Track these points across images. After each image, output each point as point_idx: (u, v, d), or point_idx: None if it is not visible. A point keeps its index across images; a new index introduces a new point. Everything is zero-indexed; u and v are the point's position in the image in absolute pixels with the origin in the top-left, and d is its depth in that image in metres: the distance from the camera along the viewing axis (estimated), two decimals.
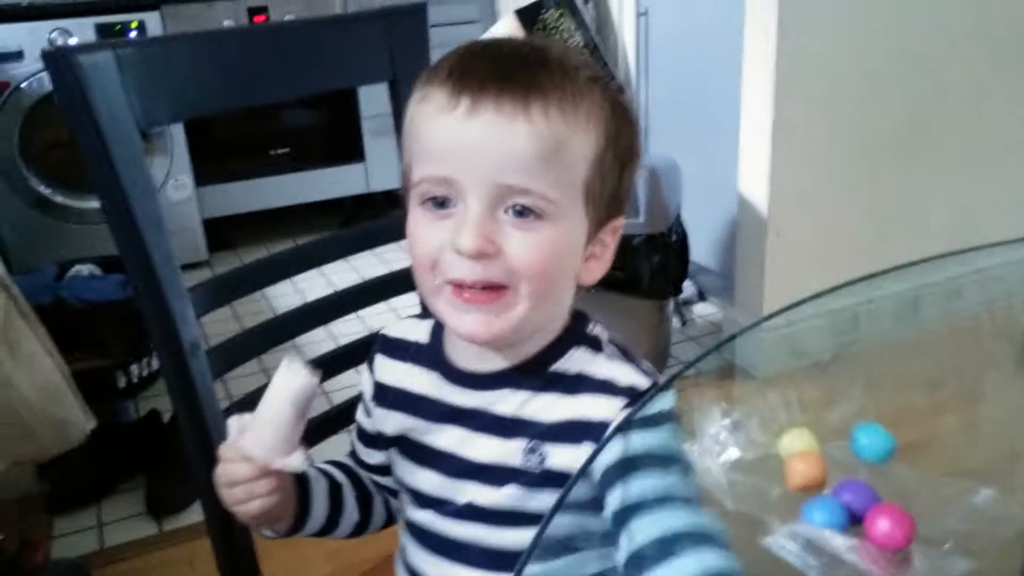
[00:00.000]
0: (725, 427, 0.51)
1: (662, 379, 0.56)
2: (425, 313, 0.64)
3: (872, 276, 0.74)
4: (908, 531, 0.45)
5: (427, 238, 0.53)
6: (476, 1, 2.87)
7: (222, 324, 0.87)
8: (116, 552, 1.47)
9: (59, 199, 2.45)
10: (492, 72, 0.51)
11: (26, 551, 1.41)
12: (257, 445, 0.54)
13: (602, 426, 0.54)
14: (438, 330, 0.62)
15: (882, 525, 0.45)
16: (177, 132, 2.53)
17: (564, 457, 0.55)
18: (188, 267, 2.54)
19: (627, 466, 0.49)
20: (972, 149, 2.00)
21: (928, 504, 0.48)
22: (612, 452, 0.50)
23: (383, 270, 0.89)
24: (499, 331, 0.53)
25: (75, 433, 1.17)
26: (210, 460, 0.72)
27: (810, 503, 0.47)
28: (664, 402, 0.53)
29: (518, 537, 0.57)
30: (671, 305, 1.94)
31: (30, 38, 2.33)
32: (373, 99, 2.64)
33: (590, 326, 0.60)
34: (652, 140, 2.35)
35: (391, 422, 0.63)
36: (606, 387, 0.55)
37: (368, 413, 0.66)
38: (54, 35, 2.35)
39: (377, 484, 0.69)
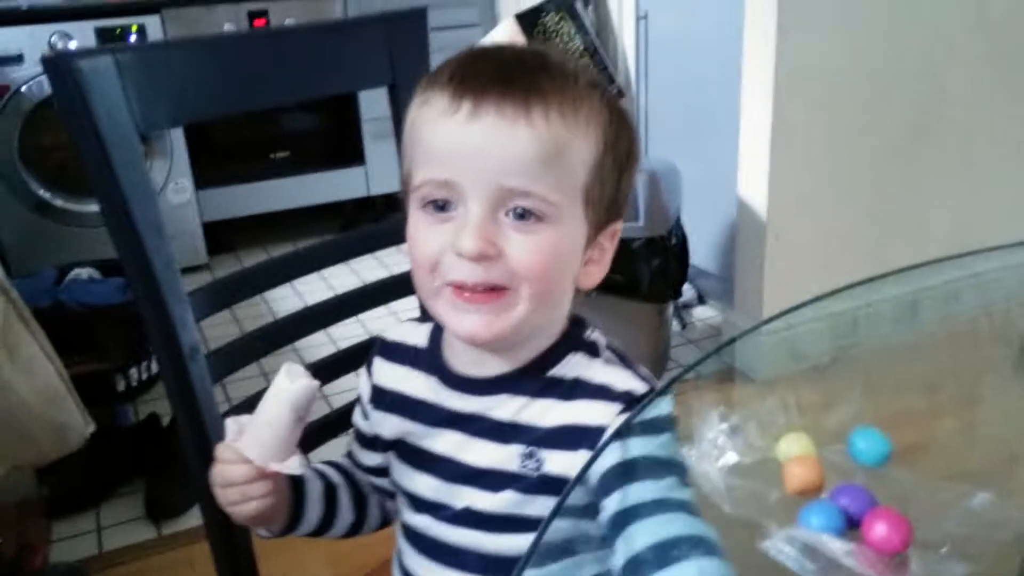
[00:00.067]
0: (723, 431, 0.51)
1: (660, 384, 0.56)
2: (424, 317, 0.64)
3: (871, 280, 0.74)
4: (905, 535, 0.46)
5: (428, 241, 0.53)
6: (476, 5, 2.87)
7: (222, 327, 0.87)
8: (115, 556, 1.47)
9: (58, 202, 2.46)
10: (493, 76, 0.52)
11: (25, 555, 1.41)
12: (254, 447, 0.54)
13: (598, 431, 0.54)
14: (437, 334, 0.62)
15: (879, 529, 0.46)
16: (177, 135, 2.54)
17: (561, 463, 0.55)
18: (188, 270, 2.54)
19: (624, 471, 0.49)
20: (972, 153, 2.00)
21: (925, 508, 0.48)
22: (609, 457, 0.50)
23: (383, 274, 0.90)
24: (499, 331, 0.53)
25: (74, 437, 1.17)
26: (209, 464, 0.73)
27: (807, 507, 0.48)
28: (662, 407, 0.54)
29: (515, 542, 0.57)
30: (671, 308, 1.94)
31: (30, 41, 2.34)
32: (373, 103, 2.64)
33: (588, 331, 0.60)
34: (652, 143, 2.35)
35: (388, 425, 0.63)
36: (602, 392, 0.56)
37: (366, 416, 0.66)
38: (54, 39, 2.36)
39: (373, 485, 0.69)
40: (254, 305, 0.79)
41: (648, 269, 1.71)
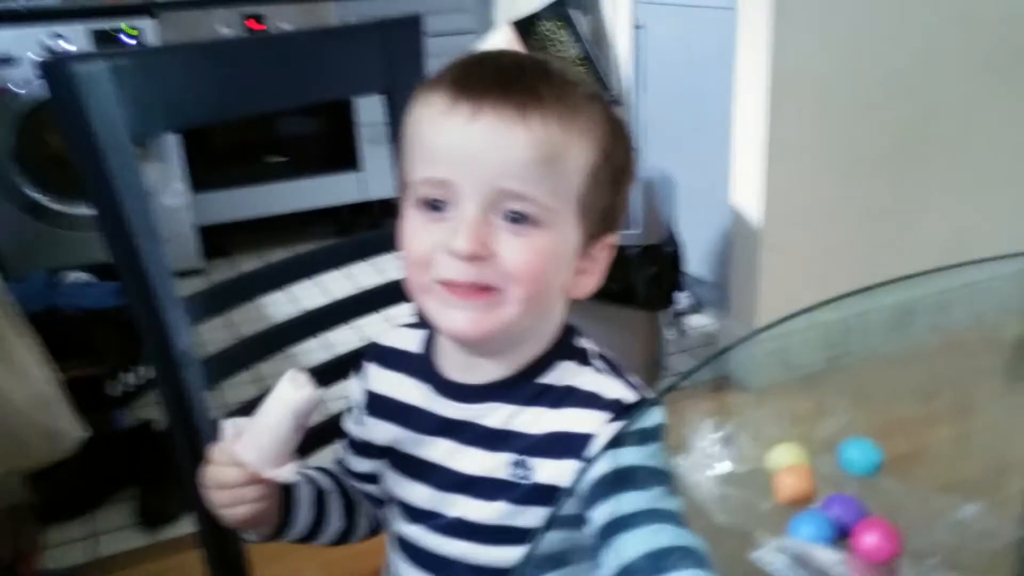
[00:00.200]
0: (716, 440, 0.51)
1: (652, 393, 0.57)
2: (418, 322, 0.64)
3: (863, 290, 0.74)
4: (895, 545, 0.46)
5: (421, 239, 0.54)
6: (472, 12, 2.88)
7: (215, 332, 0.87)
8: (108, 563, 1.46)
9: (52, 205, 2.45)
10: (493, 79, 0.52)
11: (18, 561, 1.40)
12: (251, 452, 0.54)
13: (586, 440, 0.54)
14: (430, 340, 0.63)
15: (869, 539, 0.46)
16: (172, 138, 2.53)
17: (550, 471, 0.55)
18: (182, 275, 2.54)
19: (613, 482, 0.49)
20: (965, 163, 2.02)
21: (915, 518, 0.48)
22: (597, 468, 0.51)
23: (379, 279, 0.90)
24: (487, 329, 0.53)
25: (67, 442, 1.17)
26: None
27: (798, 517, 0.48)
28: (652, 418, 0.54)
29: (507, 554, 0.57)
30: (666, 316, 1.95)
31: (25, 43, 2.33)
32: (370, 108, 2.65)
33: (579, 339, 0.60)
34: (647, 152, 2.36)
35: (381, 432, 0.63)
36: (592, 400, 0.56)
37: (358, 421, 0.66)
38: (47, 39, 2.35)
39: (363, 493, 0.69)
40: (249, 310, 0.79)
41: (643, 277, 1.72)
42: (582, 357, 0.59)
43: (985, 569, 0.50)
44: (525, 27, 2.25)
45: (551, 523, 0.47)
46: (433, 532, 0.60)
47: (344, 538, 0.68)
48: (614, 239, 0.58)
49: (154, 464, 1.60)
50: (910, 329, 0.92)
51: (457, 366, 0.59)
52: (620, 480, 0.50)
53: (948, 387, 0.85)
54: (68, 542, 1.51)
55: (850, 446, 0.53)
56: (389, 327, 0.68)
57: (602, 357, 0.59)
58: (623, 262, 1.69)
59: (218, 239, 2.78)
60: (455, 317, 0.53)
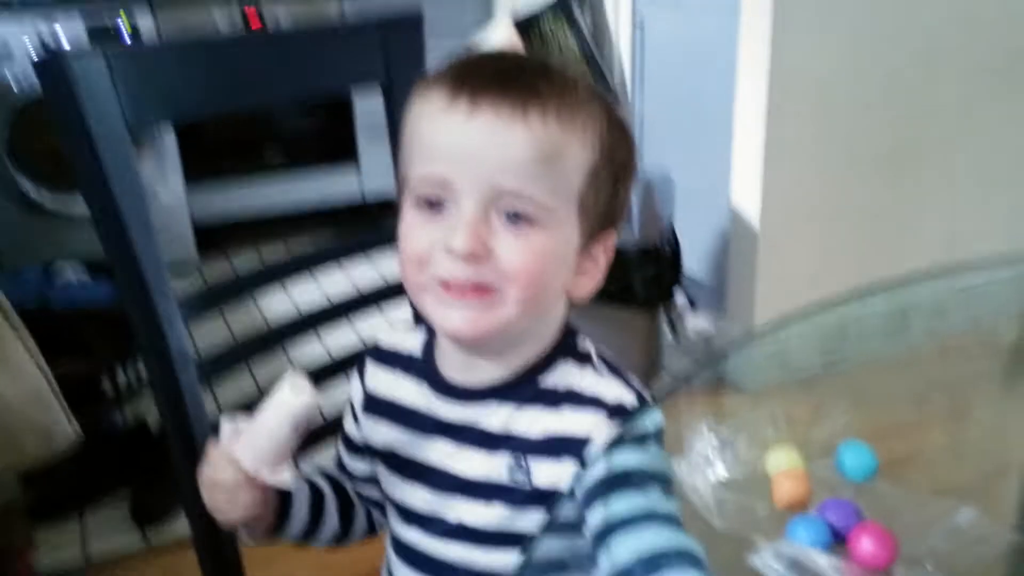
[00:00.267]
0: (713, 444, 0.51)
1: (650, 395, 0.56)
2: (418, 322, 0.64)
3: (860, 292, 0.74)
4: (891, 550, 0.46)
5: (419, 237, 0.53)
6: (473, 6, 2.87)
7: (211, 329, 0.87)
8: (101, 567, 1.45)
9: (47, 199, 2.43)
10: (493, 76, 0.52)
11: (11, 559, 1.39)
12: (248, 454, 0.54)
13: (584, 441, 0.54)
14: (430, 342, 0.62)
15: (865, 544, 0.46)
16: (168, 133, 2.52)
17: (549, 473, 0.55)
18: (177, 270, 2.53)
19: (609, 485, 0.49)
20: (964, 165, 2.02)
21: (911, 523, 0.48)
22: (595, 470, 0.50)
23: (376, 276, 0.89)
24: (485, 328, 0.53)
25: (60, 440, 1.16)
26: (197, 471, 0.72)
27: (795, 521, 0.48)
28: (651, 420, 0.53)
29: (506, 558, 0.57)
30: (663, 317, 1.95)
31: (19, 35, 2.31)
32: (369, 104, 2.64)
33: (579, 340, 0.60)
34: (646, 151, 2.36)
35: (379, 433, 0.63)
36: (591, 402, 0.55)
37: (356, 422, 0.66)
38: (42, 30, 2.33)
39: (360, 495, 0.69)
40: (245, 307, 0.78)
41: (641, 277, 1.72)
42: (582, 358, 0.58)
43: (979, 575, 0.50)
44: (525, 23, 2.25)
45: (547, 527, 0.47)
46: (432, 536, 0.60)
47: (340, 540, 0.68)
48: (614, 239, 0.58)
49: (147, 463, 1.60)
50: (907, 332, 0.92)
51: (456, 367, 0.59)
52: (616, 482, 0.49)
53: (944, 391, 0.85)
54: (61, 540, 1.50)
55: (847, 450, 0.53)
56: (388, 327, 0.68)
57: (602, 358, 0.59)
58: (621, 262, 1.69)
59: (213, 235, 2.77)
60: (452, 317, 0.53)
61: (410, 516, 0.61)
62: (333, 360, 0.84)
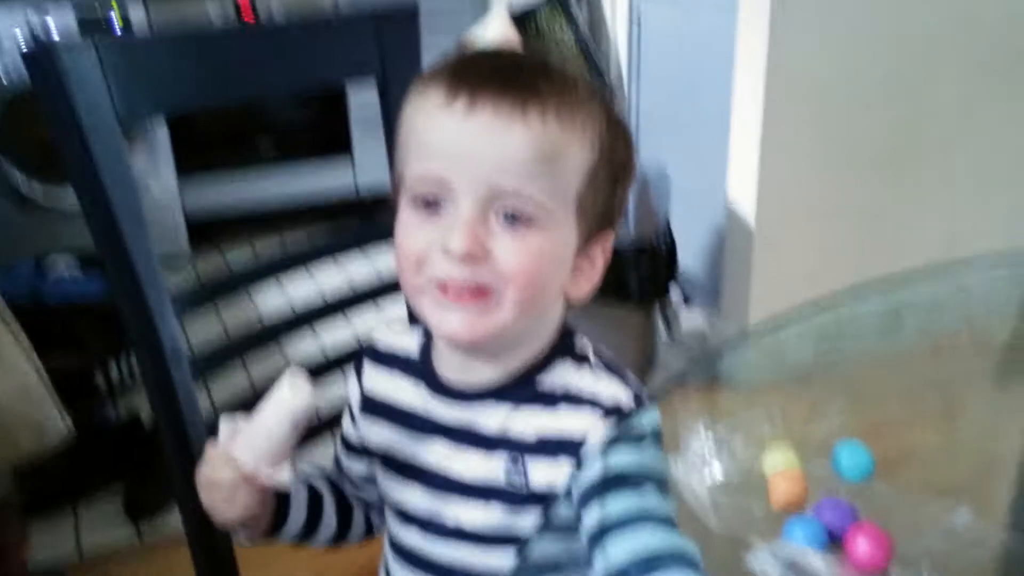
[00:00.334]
0: (709, 444, 0.51)
1: (647, 394, 0.56)
2: (414, 322, 0.64)
3: (855, 290, 0.74)
4: (887, 551, 0.46)
5: (415, 237, 0.53)
6: (468, 3, 2.86)
7: (204, 325, 0.86)
8: (93, 562, 1.44)
9: (38, 192, 2.42)
10: (491, 74, 0.52)
11: (2, 554, 1.38)
12: (247, 453, 0.54)
13: (580, 441, 0.54)
14: (427, 341, 0.62)
15: (862, 545, 0.46)
16: (160, 126, 2.50)
17: (546, 474, 0.55)
18: (169, 264, 2.51)
19: (605, 485, 0.49)
20: (960, 166, 2.02)
21: (907, 523, 0.48)
22: (591, 470, 0.50)
23: (371, 271, 0.89)
24: (483, 332, 0.53)
25: (52, 435, 1.15)
26: (190, 467, 0.71)
27: (791, 522, 0.48)
28: (647, 419, 0.53)
29: (505, 560, 0.56)
30: (658, 313, 1.95)
31: (9, 26, 2.29)
32: (363, 96, 2.62)
33: (576, 340, 0.59)
34: (642, 147, 2.35)
35: (376, 434, 0.63)
36: (587, 402, 0.55)
37: (354, 422, 0.65)
38: (31, 18, 2.31)
39: (359, 496, 0.68)
40: (238, 302, 0.78)
41: (637, 274, 1.71)
42: (579, 358, 0.58)
43: None
44: (521, 17, 2.24)
45: (543, 527, 0.47)
46: (429, 537, 0.60)
47: (338, 541, 0.68)
48: (612, 239, 0.58)
49: (140, 458, 1.59)
50: (901, 331, 0.92)
51: (453, 368, 0.59)
52: (612, 483, 0.49)
53: (938, 389, 0.85)
54: (54, 535, 1.50)
55: (843, 450, 0.53)
56: (385, 325, 0.67)
57: (600, 358, 0.59)
58: (617, 259, 1.67)
59: (206, 228, 2.76)
60: (449, 320, 0.53)
61: (408, 517, 0.61)
62: (328, 357, 0.83)
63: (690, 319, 2.20)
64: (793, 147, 1.81)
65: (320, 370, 0.82)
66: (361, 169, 2.87)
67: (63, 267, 1.95)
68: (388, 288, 0.87)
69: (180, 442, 0.72)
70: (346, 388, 0.67)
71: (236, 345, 0.79)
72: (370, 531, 0.69)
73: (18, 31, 2.29)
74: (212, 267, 2.59)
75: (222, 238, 2.81)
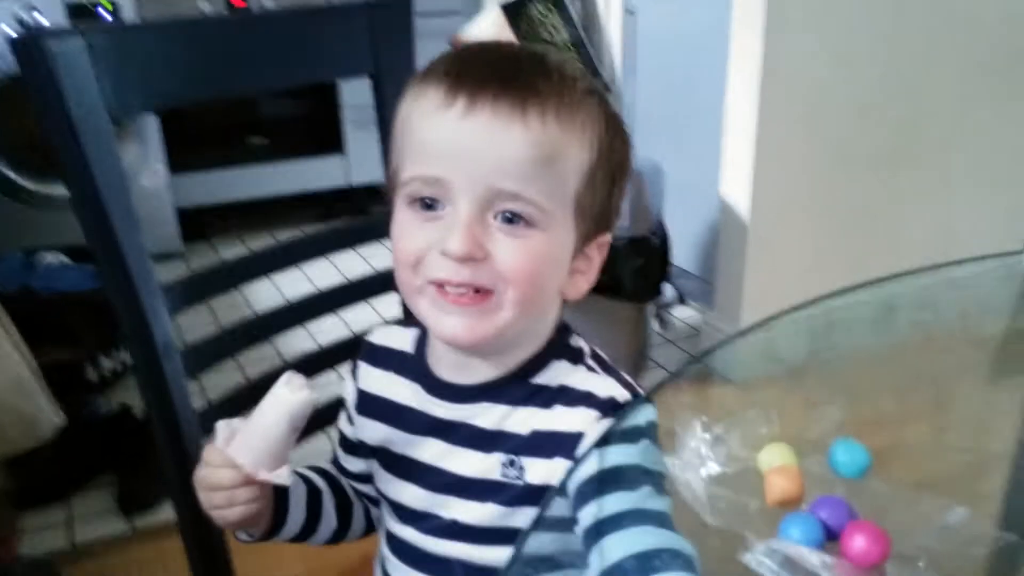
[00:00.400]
0: (706, 440, 0.51)
1: (642, 391, 0.56)
2: (409, 319, 0.63)
3: (849, 289, 0.74)
4: (884, 548, 0.46)
5: (413, 238, 0.52)
6: (460, 5, 2.84)
7: (196, 319, 0.85)
8: (85, 551, 1.44)
9: (27, 184, 2.39)
10: (490, 73, 0.51)
11: None
12: (245, 453, 0.53)
13: (575, 439, 0.54)
14: (422, 339, 0.61)
15: (858, 542, 0.45)
16: (151, 118, 2.48)
17: (542, 471, 0.55)
18: (161, 259, 2.50)
19: (601, 482, 0.49)
20: (955, 164, 2.03)
21: (903, 521, 0.48)
22: (586, 467, 0.50)
23: (364, 268, 0.88)
24: (482, 334, 0.52)
25: (44, 428, 1.15)
26: (183, 461, 0.71)
27: (788, 519, 0.47)
28: (643, 416, 0.53)
29: (501, 554, 0.56)
30: (651, 309, 1.95)
31: None
32: (355, 90, 2.61)
33: (572, 338, 0.59)
34: (636, 142, 2.35)
35: (373, 432, 0.62)
36: (583, 399, 0.55)
37: (351, 421, 0.65)
38: (23, 13, 2.28)
39: (358, 492, 0.68)
40: (230, 296, 0.77)
41: (630, 269, 1.71)
42: (575, 356, 0.58)
43: (970, 574, 0.51)
44: (515, 10, 2.23)
45: (538, 523, 0.46)
46: (426, 533, 0.60)
47: (338, 538, 0.67)
48: (608, 238, 0.58)
49: (132, 450, 1.58)
50: (894, 326, 0.92)
51: (449, 366, 0.58)
52: (608, 480, 0.49)
53: (931, 385, 0.85)
54: (45, 528, 1.49)
55: (840, 447, 0.53)
56: (375, 317, 0.67)
57: (595, 356, 0.59)
58: (610, 254, 1.68)
59: (197, 222, 2.74)
60: (448, 323, 0.52)
61: (404, 514, 0.61)
62: (322, 350, 0.83)
63: (683, 314, 2.20)
64: (787, 143, 1.81)
65: (313, 365, 0.82)
66: (353, 164, 2.86)
67: (53, 259, 1.93)
68: (381, 284, 0.86)
69: (172, 434, 0.72)
70: (339, 383, 0.67)
71: (228, 339, 0.79)
72: (370, 527, 0.69)
73: (5, 18, 2.26)
74: (204, 262, 2.57)
75: (213, 233, 2.80)
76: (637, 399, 0.55)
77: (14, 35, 0.65)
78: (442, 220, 0.51)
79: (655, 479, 0.50)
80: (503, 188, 0.50)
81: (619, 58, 2.36)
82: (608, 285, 1.71)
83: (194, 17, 2.30)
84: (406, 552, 0.61)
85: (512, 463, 0.55)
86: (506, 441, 0.56)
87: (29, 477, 1.52)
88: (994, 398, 0.90)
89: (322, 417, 0.76)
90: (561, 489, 0.50)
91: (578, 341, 0.59)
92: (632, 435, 0.52)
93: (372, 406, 0.63)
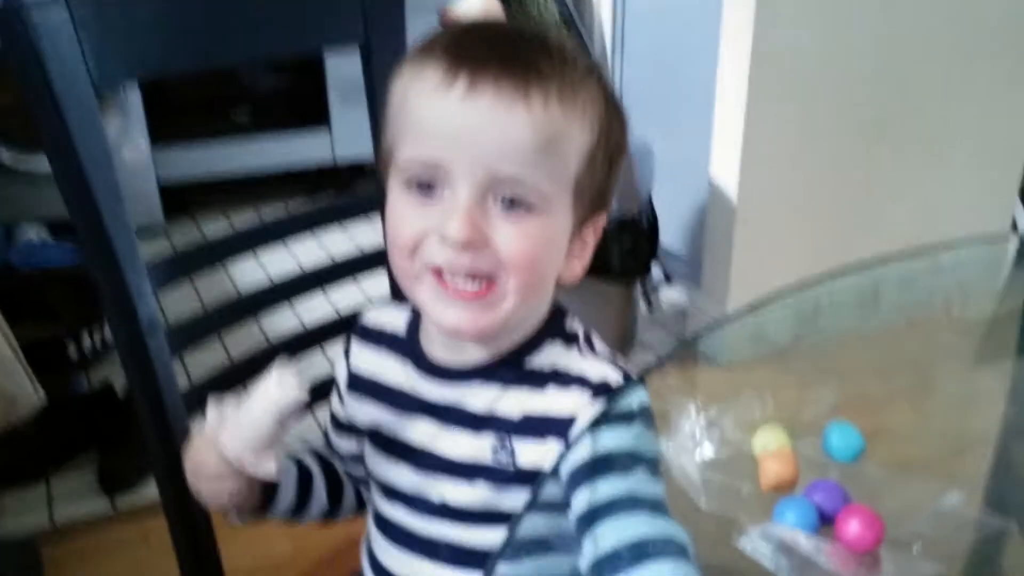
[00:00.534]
0: (700, 424, 0.51)
1: (635, 375, 0.55)
2: (398, 297, 0.62)
3: (838, 273, 0.74)
4: (878, 533, 0.46)
5: (411, 223, 0.51)
6: None
7: (178, 295, 0.84)
8: (67, 531, 1.43)
9: (7, 156, 2.34)
10: (491, 53, 0.50)
11: None
12: (233, 443, 0.53)
13: (568, 421, 0.53)
14: (415, 320, 0.61)
15: (852, 527, 0.46)
16: (132, 89, 2.43)
17: (533, 454, 0.54)
18: (143, 234, 2.45)
19: (594, 467, 0.48)
20: (943, 146, 2.03)
21: (897, 506, 0.48)
22: (580, 452, 0.50)
23: (349, 245, 0.87)
24: (486, 326, 0.52)
25: (24, 406, 1.13)
26: (168, 439, 0.70)
27: (782, 503, 0.48)
28: (636, 399, 0.53)
29: (489, 536, 0.56)
30: (638, 289, 1.95)
31: None
32: (341, 63, 2.57)
33: (567, 321, 0.59)
34: None
35: (364, 412, 0.62)
36: (575, 381, 0.55)
37: (341, 400, 0.65)
38: None
39: (348, 472, 0.68)
40: (214, 272, 0.76)
41: (618, 248, 1.71)
42: (569, 339, 0.57)
43: (964, 559, 0.51)
44: None
45: (530, 507, 0.46)
46: (415, 514, 0.59)
47: (329, 517, 0.67)
48: (603, 220, 0.57)
49: (113, 428, 1.57)
50: (878, 309, 0.93)
51: (442, 347, 0.58)
52: (601, 465, 0.49)
53: (914, 367, 0.86)
54: (25, 506, 1.47)
55: (834, 431, 0.53)
56: (365, 301, 0.66)
57: (589, 339, 0.58)
58: None
59: (179, 197, 2.70)
60: (449, 315, 0.51)
61: (394, 494, 0.61)
62: (306, 331, 0.82)
63: (670, 295, 2.21)
64: (777, 123, 1.80)
65: (299, 343, 0.81)
66: (339, 139, 2.81)
67: (33, 234, 1.90)
68: (367, 262, 0.85)
69: (157, 413, 0.71)
70: (325, 362, 0.66)
71: (212, 317, 0.77)
72: (361, 506, 0.69)
73: None
74: (187, 238, 2.54)
75: (197, 208, 2.75)
76: (630, 382, 0.55)
77: None
78: (440, 203, 0.50)
79: (648, 463, 0.50)
80: (504, 173, 0.49)
81: (609, 37, 2.34)
82: (595, 265, 1.70)
83: None
84: (394, 532, 0.61)
85: (503, 445, 0.55)
86: (497, 423, 0.55)
87: (9, 455, 1.50)
88: (978, 381, 0.91)
89: (312, 397, 0.75)
90: (554, 473, 0.50)
91: (573, 324, 0.59)
92: (625, 419, 0.52)
93: (363, 386, 0.62)
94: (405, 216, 0.51)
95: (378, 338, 0.62)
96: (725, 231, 1.89)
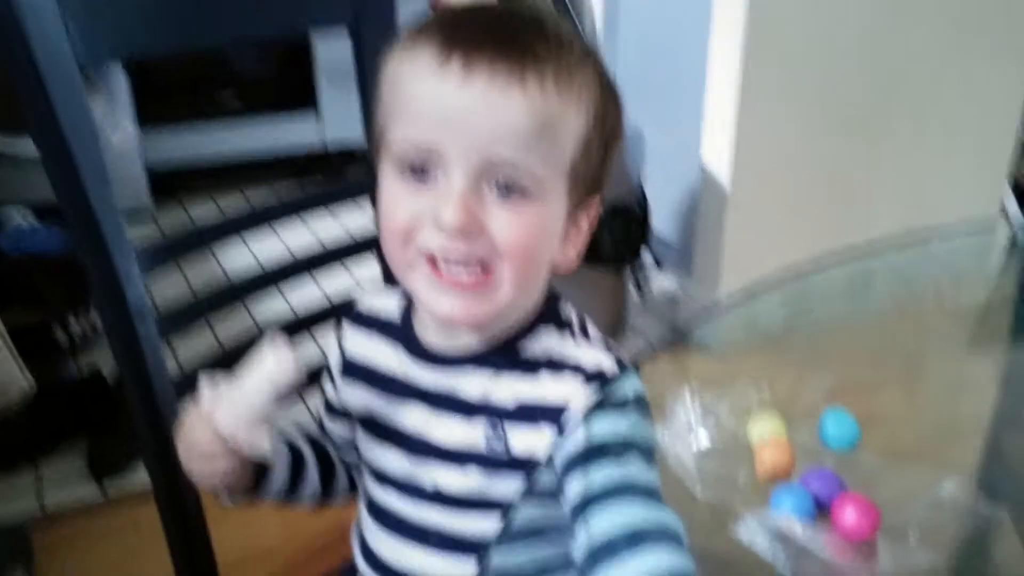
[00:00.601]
0: (695, 412, 0.51)
1: (630, 362, 0.55)
2: (390, 282, 0.62)
3: (828, 260, 0.74)
4: (874, 521, 0.46)
5: (404, 208, 0.50)
6: None
7: (166, 279, 0.83)
8: (57, 517, 1.42)
9: None
10: (486, 35, 0.49)
11: None
12: (227, 419, 0.52)
13: (561, 408, 0.53)
14: (408, 305, 0.60)
15: (849, 515, 0.46)
16: (118, 70, 2.39)
17: (526, 441, 0.54)
18: (130, 217, 2.42)
19: (588, 455, 0.48)
20: (934, 130, 2.03)
21: (892, 494, 0.48)
22: (574, 440, 0.49)
23: (338, 229, 0.86)
24: (480, 314, 0.51)
25: (12, 393, 1.12)
26: (158, 425, 0.70)
27: (778, 491, 0.47)
28: (629, 386, 0.52)
29: (480, 524, 0.56)
30: (630, 275, 1.95)
31: None
32: (330, 46, 2.54)
33: (561, 307, 0.58)
34: None
35: (356, 397, 0.61)
36: (569, 368, 0.54)
37: (334, 385, 0.64)
38: None
39: (341, 457, 0.67)
40: (202, 257, 0.75)
41: (609, 235, 1.70)
42: (563, 325, 0.57)
43: (960, 548, 0.51)
44: None
45: (525, 495, 0.46)
46: (407, 500, 0.59)
47: (321, 501, 0.67)
48: (597, 205, 0.56)
49: (102, 413, 1.56)
50: (874, 298, 0.93)
51: (435, 333, 0.57)
52: (595, 453, 0.48)
53: (905, 354, 0.86)
54: (15, 492, 1.46)
55: (830, 419, 0.53)
56: (355, 286, 0.65)
57: (583, 325, 0.58)
58: None
59: (166, 181, 2.67)
60: (444, 303, 0.51)
61: (385, 480, 0.60)
62: (296, 317, 0.81)
63: (662, 281, 2.21)
64: (769, 110, 1.80)
65: (288, 329, 0.80)
66: (328, 123, 2.79)
67: (19, 218, 1.87)
68: (357, 247, 0.84)
69: (146, 398, 0.70)
70: (316, 347, 0.65)
71: (201, 302, 0.77)
72: (354, 490, 0.68)
73: None
74: (174, 222, 2.52)
75: (184, 192, 2.73)
76: (624, 370, 0.54)
77: None
78: (434, 188, 0.49)
79: (643, 451, 0.49)
80: (500, 158, 0.48)
81: (600, 21, 2.32)
82: (587, 251, 1.70)
83: None
84: (385, 518, 0.61)
85: (496, 432, 0.54)
86: (490, 409, 0.55)
87: None
88: (969, 368, 0.92)
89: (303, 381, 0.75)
90: (548, 461, 0.50)
91: (567, 310, 0.58)
92: (620, 406, 0.51)
93: (356, 371, 0.61)
94: (398, 201, 0.51)
95: (371, 323, 0.62)
96: (717, 217, 1.89)
